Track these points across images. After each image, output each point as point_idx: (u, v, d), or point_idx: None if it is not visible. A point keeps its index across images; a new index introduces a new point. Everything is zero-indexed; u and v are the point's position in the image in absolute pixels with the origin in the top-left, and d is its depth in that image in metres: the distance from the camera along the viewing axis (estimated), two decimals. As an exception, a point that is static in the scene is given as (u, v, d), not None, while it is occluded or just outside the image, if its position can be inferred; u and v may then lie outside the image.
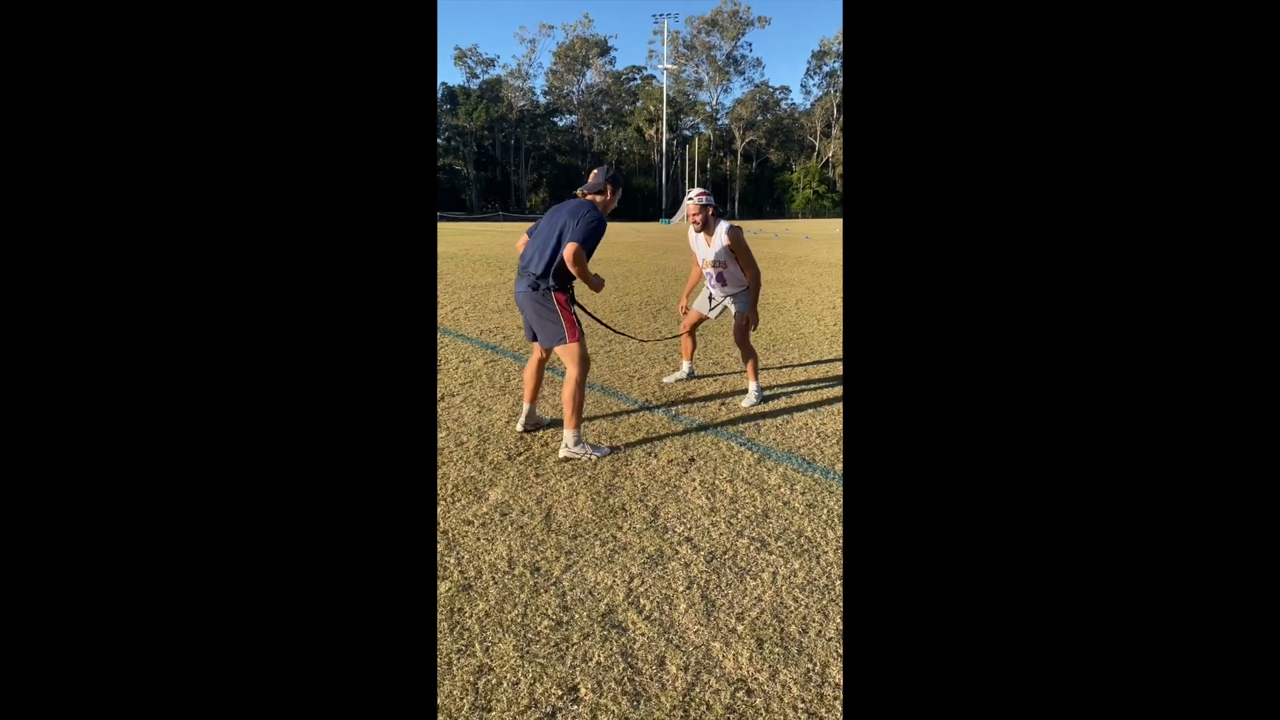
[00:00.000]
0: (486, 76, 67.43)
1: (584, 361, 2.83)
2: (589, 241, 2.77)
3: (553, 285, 2.83)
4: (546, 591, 1.87)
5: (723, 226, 3.63)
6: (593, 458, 2.84)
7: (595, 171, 3.03)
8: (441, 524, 2.24)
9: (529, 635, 1.67)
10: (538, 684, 1.50)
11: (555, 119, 71.97)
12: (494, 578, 1.93)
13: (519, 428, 3.18)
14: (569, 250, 2.71)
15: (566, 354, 2.83)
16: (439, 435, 3.09)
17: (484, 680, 1.51)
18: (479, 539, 2.15)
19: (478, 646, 1.62)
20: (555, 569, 1.98)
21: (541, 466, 2.76)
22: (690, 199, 3.69)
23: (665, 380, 4.14)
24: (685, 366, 4.20)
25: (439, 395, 3.72)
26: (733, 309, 3.81)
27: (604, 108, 72.60)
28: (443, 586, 1.87)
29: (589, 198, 2.95)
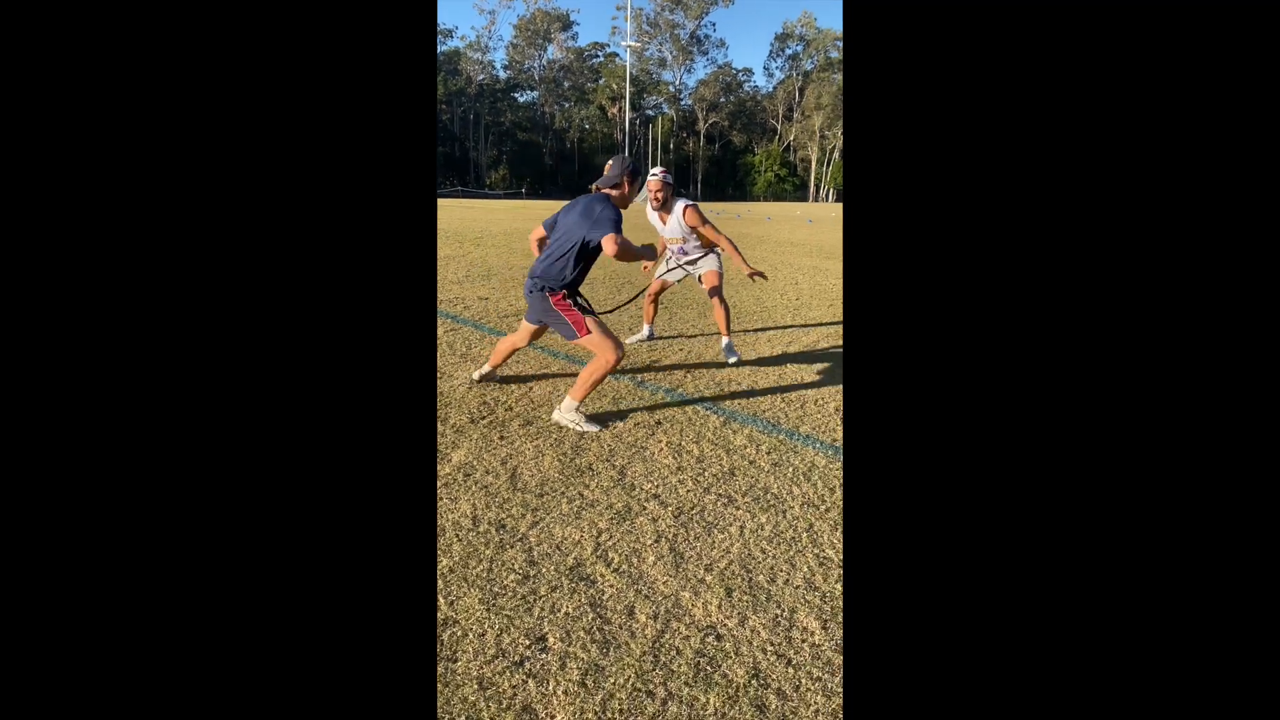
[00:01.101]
0: (444, 48, 65.32)
1: (616, 349, 2.68)
2: (618, 226, 2.56)
3: (548, 287, 2.73)
4: (513, 547, 1.83)
5: (679, 204, 3.68)
6: (584, 429, 2.70)
7: (611, 162, 2.78)
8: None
9: (495, 589, 1.63)
10: (505, 635, 1.47)
11: (516, 94, 70.37)
12: (458, 535, 1.88)
13: (475, 376, 3.28)
14: (610, 247, 2.51)
15: (591, 347, 2.72)
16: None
17: (449, 632, 1.47)
18: (442, 498, 2.09)
19: (442, 600, 1.58)
20: (521, 526, 1.94)
21: (506, 430, 2.70)
22: (654, 175, 3.69)
23: (627, 341, 4.15)
24: (645, 329, 4.29)
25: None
26: (698, 273, 3.84)
27: (566, 84, 71.29)
28: (404, 544, 1.82)
29: (604, 191, 2.76)
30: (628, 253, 2.58)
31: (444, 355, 3.81)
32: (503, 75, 70.01)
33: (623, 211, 2.68)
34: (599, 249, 2.64)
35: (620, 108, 65.84)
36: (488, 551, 1.80)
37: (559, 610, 1.56)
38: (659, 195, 3.67)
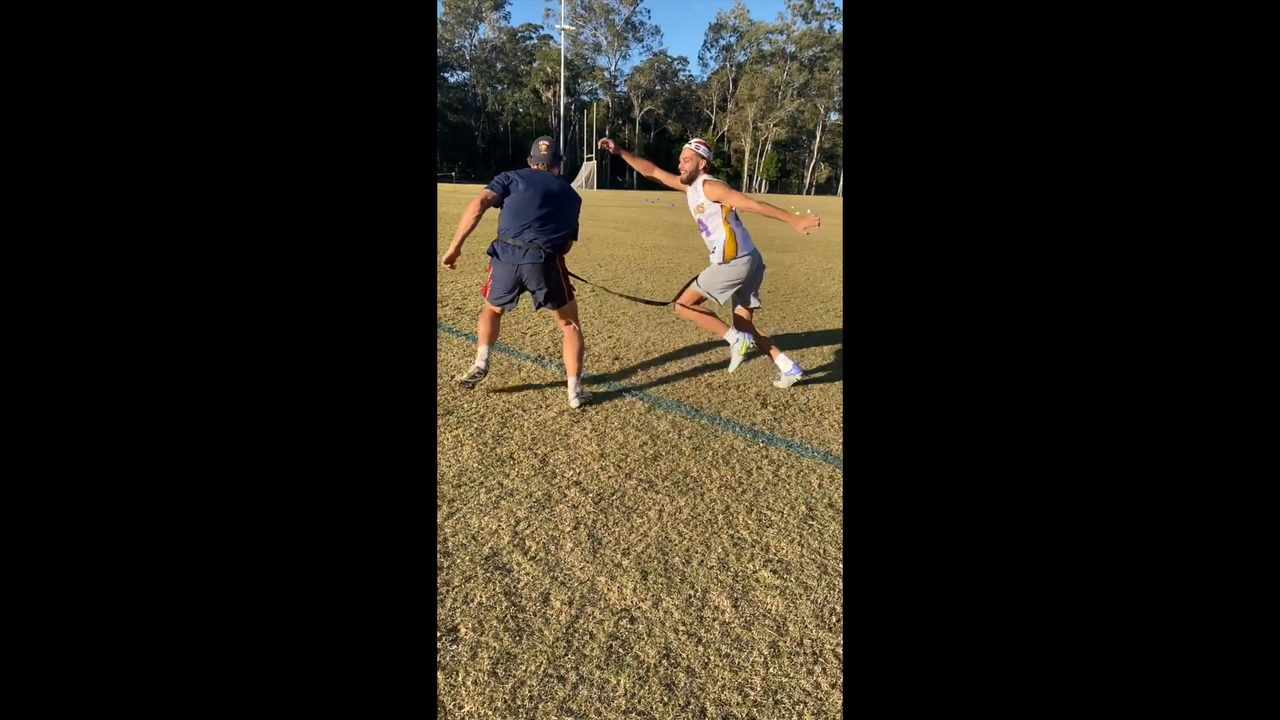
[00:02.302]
0: (368, 22, 62.22)
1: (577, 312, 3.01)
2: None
3: (560, 253, 2.90)
4: (426, 539, 1.79)
5: (700, 179, 3.28)
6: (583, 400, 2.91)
7: (546, 144, 3.02)
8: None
9: (406, 582, 1.59)
10: (414, 628, 1.44)
11: (446, 74, 67.98)
12: (369, 529, 1.82)
13: (481, 366, 2.92)
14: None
15: (570, 311, 2.94)
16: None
17: (355, 629, 1.42)
18: (353, 492, 2.02)
19: (349, 596, 1.53)
20: (436, 517, 1.90)
21: (425, 420, 2.63)
22: (688, 145, 3.32)
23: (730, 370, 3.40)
24: (731, 335, 3.26)
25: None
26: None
27: (499, 66, 69.47)
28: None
29: (553, 171, 3.00)
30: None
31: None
32: (432, 54, 67.44)
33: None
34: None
35: (555, 92, 64.79)
36: (400, 544, 1.75)
37: (472, 600, 1.54)
38: (684, 167, 3.28)
